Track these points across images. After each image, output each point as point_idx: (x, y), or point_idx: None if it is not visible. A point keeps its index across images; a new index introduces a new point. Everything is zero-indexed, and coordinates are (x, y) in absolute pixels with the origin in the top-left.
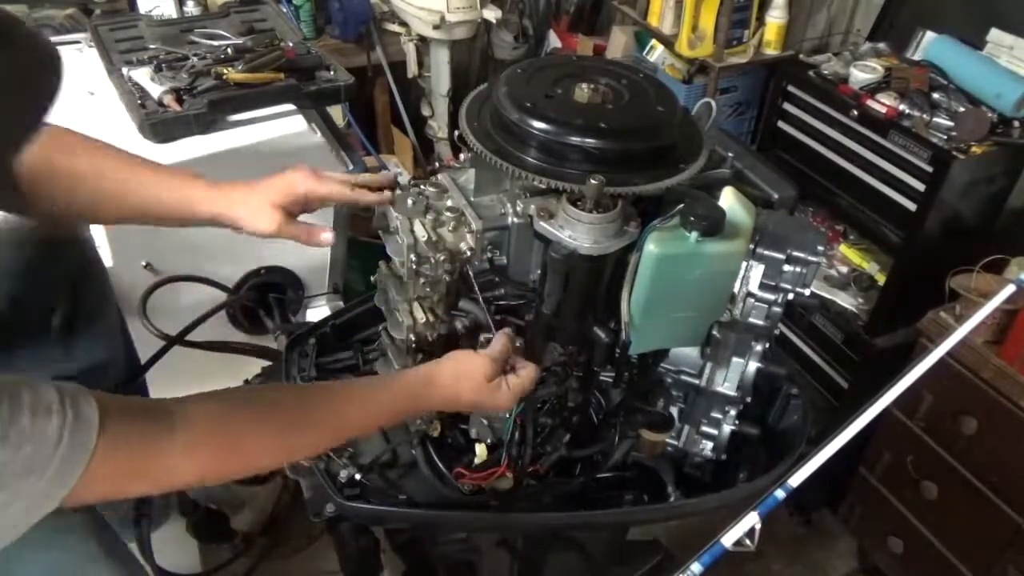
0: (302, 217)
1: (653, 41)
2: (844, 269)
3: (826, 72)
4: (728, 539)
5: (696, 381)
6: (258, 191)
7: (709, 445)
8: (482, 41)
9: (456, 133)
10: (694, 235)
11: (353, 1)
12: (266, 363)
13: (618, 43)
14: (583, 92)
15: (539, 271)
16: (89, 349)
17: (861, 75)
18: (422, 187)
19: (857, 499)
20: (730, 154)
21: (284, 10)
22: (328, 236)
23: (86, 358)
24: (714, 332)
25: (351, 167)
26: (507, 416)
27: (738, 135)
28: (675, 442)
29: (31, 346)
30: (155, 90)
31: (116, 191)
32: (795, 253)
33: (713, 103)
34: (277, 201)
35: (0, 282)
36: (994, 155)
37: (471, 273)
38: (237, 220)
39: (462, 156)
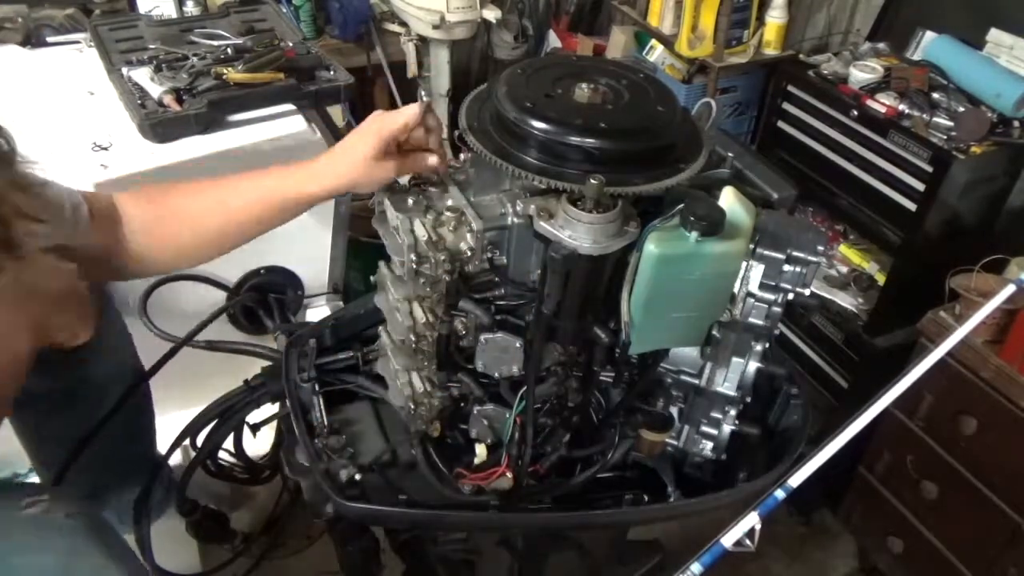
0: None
1: (653, 41)
2: (844, 269)
3: (826, 72)
4: (728, 539)
5: (696, 381)
6: (354, 151)
7: (709, 445)
8: (482, 41)
9: (456, 133)
10: (694, 235)
11: (353, 1)
12: (266, 363)
13: (618, 43)
14: (583, 92)
15: (539, 271)
16: (99, 358)
17: (861, 75)
18: (422, 187)
19: (857, 499)
20: (730, 154)
21: (284, 10)
22: (434, 160)
23: (99, 366)
24: (714, 332)
25: None
26: (507, 416)
27: (738, 135)
28: (675, 442)
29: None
30: (155, 90)
31: (240, 210)
32: (795, 253)
33: (713, 103)
34: (379, 151)
35: None
36: (994, 155)
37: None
38: (355, 187)
39: (462, 156)
